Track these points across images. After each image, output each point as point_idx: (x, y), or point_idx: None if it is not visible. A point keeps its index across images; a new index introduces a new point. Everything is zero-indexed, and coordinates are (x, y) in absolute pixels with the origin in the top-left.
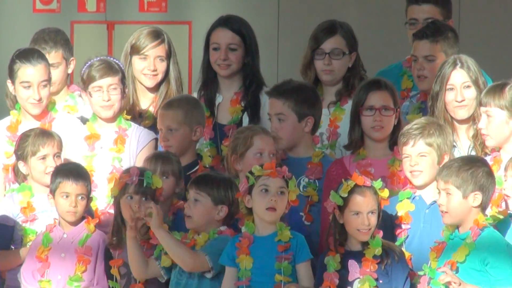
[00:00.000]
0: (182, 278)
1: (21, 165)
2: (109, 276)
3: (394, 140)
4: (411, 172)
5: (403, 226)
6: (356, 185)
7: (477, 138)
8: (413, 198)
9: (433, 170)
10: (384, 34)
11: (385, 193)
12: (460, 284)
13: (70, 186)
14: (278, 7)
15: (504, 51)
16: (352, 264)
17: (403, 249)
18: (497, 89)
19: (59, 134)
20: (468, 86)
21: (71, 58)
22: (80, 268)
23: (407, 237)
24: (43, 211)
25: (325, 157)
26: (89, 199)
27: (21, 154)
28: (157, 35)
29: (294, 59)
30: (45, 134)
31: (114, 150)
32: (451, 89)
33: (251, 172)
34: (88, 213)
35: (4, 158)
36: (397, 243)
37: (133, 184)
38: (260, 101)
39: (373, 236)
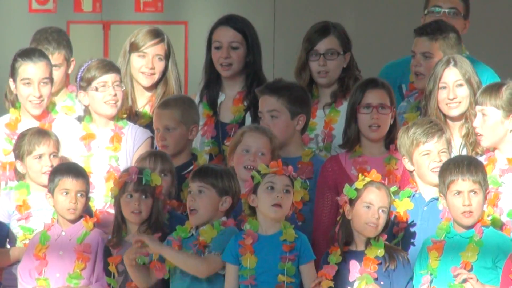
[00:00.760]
0: (185, 279)
1: (18, 164)
2: (107, 273)
3: (390, 139)
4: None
5: (400, 225)
6: (372, 181)
7: (469, 137)
8: (413, 196)
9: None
10: (380, 34)
11: (396, 203)
12: (477, 281)
13: (70, 183)
14: (274, 8)
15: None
16: (353, 264)
17: (400, 247)
18: (494, 89)
19: (58, 135)
20: (461, 85)
21: (72, 59)
22: (79, 265)
23: (404, 236)
24: (38, 209)
25: (315, 157)
26: (87, 198)
27: (18, 153)
28: (157, 34)
29: (290, 59)
30: (41, 133)
31: (111, 149)
32: (444, 87)
33: (257, 171)
34: (86, 212)
35: (2, 155)
36: (394, 242)
37: (132, 182)
38: None
39: (377, 238)
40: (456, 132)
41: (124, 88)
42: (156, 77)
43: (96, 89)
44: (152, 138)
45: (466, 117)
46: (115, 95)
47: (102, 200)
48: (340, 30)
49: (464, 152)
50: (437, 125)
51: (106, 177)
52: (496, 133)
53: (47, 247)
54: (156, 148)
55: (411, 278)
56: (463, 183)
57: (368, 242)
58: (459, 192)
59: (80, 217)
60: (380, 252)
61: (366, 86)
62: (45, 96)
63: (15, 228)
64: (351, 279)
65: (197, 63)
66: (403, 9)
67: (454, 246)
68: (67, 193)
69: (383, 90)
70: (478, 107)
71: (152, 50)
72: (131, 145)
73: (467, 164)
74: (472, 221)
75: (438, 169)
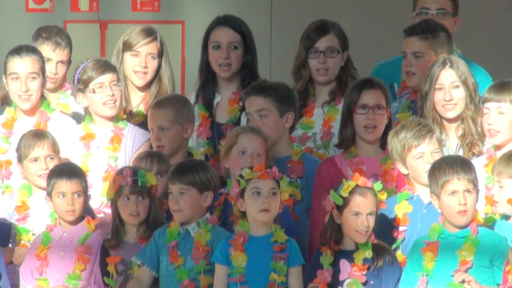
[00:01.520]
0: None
1: (19, 167)
2: (105, 273)
3: (385, 139)
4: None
5: (401, 228)
6: (357, 186)
7: (465, 138)
8: (411, 198)
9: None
10: (377, 34)
11: (383, 195)
12: (476, 283)
13: (64, 185)
14: (270, 7)
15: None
16: (343, 263)
17: (400, 250)
18: (506, 86)
19: (55, 133)
20: (457, 86)
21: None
22: (79, 266)
23: (404, 239)
24: (37, 210)
25: (304, 155)
26: (86, 196)
27: (18, 156)
28: (149, 33)
29: (287, 59)
30: (35, 136)
31: (110, 149)
32: (440, 88)
33: (241, 176)
34: (88, 213)
35: None
36: (394, 246)
37: (128, 185)
38: None
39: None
40: (452, 133)
41: (121, 86)
42: (149, 76)
43: (94, 91)
44: None
45: (462, 118)
46: (113, 95)
47: (98, 199)
48: (339, 28)
49: (460, 153)
50: (426, 126)
51: (104, 177)
52: None
53: (48, 248)
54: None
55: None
56: (459, 183)
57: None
58: (454, 192)
59: (82, 217)
60: (369, 253)
61: (362, 86)
62: (34, 91)
63: (14, 228)
64: (341, 278)
65: (194, 62)
66: (398, 10)
67: (449, 246)
68: (63, 196)
69: (379, 90)
70: (492, 104)
71: (145, 49)
72: (131, 146)
73: (460, 164)
74: (466, 220)
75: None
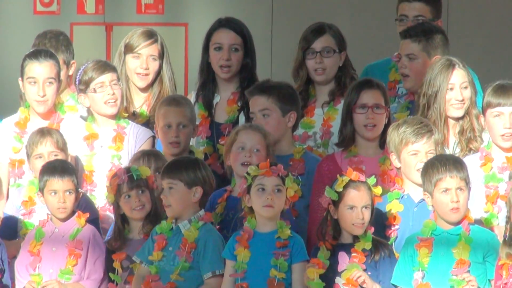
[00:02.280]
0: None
1: (28, 164)
2: (111, 269)
3: (384, 139)
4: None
5: (393, 227)
6: (350, 180)
7: (463, 134)
8: (402, 197)
9: None
10: (375, 35)
11: (378, 190)
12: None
13: (56, 183)
14: (271, 10)
15: (491, 52)
16: (342, 255)
17: (393, 248)
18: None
19: (66, 134)
20: (466, 87)
21: (72, 61)
22: (71, 261)
23: (397, 237)
24: (42, 206)
25: (306, 153)
26: (77, 192)
27: (26, 153)
28: (150, 35)
29: (288, 60)
30: (40, 133)
31: (113, 148)
32: (451, 88)
33: (247, 173)
34: (90, 210)
35: (12, 153)
36: None
37: (125, 182)
38: None
39: (365, 231)
40: (450, 129)
41: (122, 85)
42: (151, 77)
43: (95, 91)
44: (154, 137)
45: (464, 115)
46: (113, 94)
47: (103, 198)
48: (335, 30)
49: (457, 150)
50: (427, 125)
51: (108, 175)
52: None
53: (41, 243)
54: (157, 146)
55: None
56: (451, 180)
57: (356, 236)
58: (446, 190)
59: (73, 213)
60: (368, 245)
61: (362, 86)
62: (50, 96)
63: (21, 222)
64: (339, 269)
65: (197, 64)
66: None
67: (443, 242)
68: (55, 193)
69: (378, 90)
70: (506, 109)
71: (146, 51)
72: (133, 144)
73: (453, 162)
74: (458, 217)
75: None
